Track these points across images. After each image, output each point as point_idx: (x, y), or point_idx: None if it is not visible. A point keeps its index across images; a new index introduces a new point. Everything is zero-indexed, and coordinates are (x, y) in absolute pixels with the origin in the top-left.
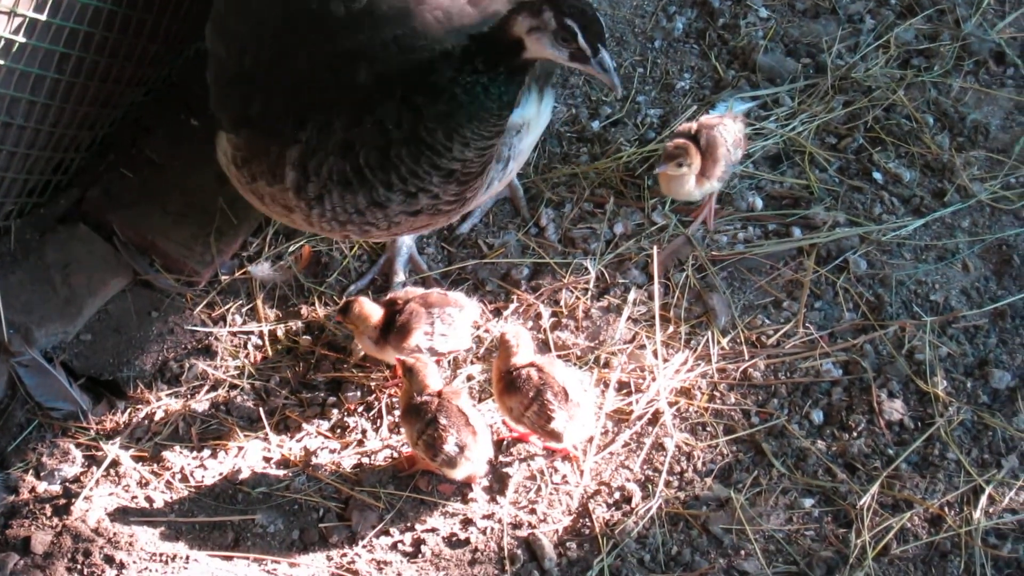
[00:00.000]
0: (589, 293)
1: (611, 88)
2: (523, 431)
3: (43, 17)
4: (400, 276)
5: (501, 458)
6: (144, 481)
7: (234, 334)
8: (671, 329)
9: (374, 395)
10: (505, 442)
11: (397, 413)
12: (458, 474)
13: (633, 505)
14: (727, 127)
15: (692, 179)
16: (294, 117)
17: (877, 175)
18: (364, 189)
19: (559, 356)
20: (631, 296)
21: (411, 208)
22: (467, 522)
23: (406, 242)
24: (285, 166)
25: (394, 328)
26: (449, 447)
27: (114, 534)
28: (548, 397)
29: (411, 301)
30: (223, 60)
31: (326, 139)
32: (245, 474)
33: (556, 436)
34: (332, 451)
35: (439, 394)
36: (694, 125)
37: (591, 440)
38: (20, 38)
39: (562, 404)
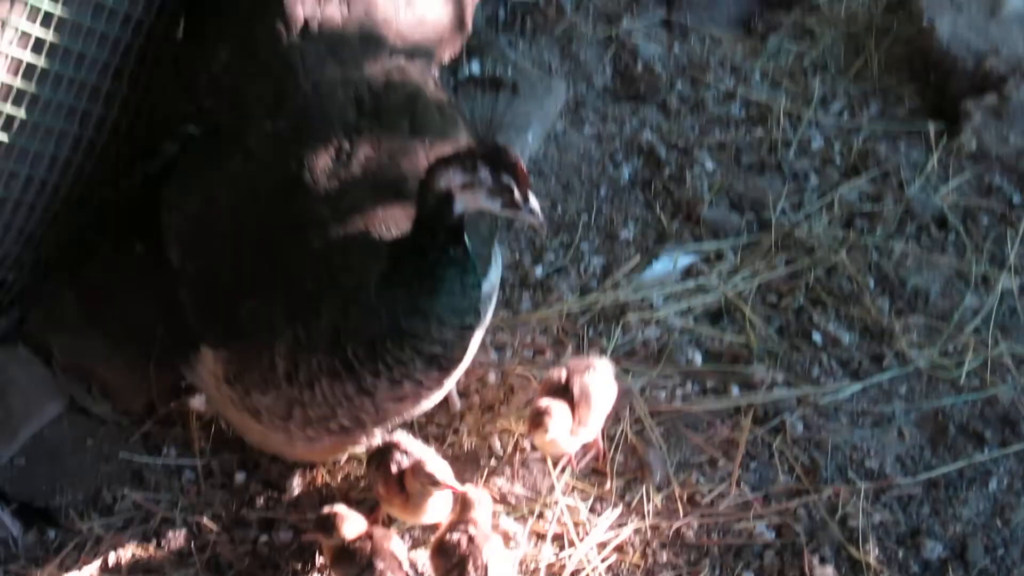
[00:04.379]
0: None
1: (539, 228)
2: None
3: None
4: None
5: None
6: None
7: (168, 466)
8: (607, 484)
9: (305, 536)
10: None
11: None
12: None
13: None
14: (598, 370)
15: (565, 437)
16: (281, 317)
17: (817, 336)
18: (352, 378)
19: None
20: None
21: (397, 394)
22: None
23: None
24: (275, 361)
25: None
26: None
27: None
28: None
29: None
30: (199, 277)
31: (314, 334)
32: None
33: None
34: None
35: (370, 535)
36: (563, 373)
37: None
38: None
39: None
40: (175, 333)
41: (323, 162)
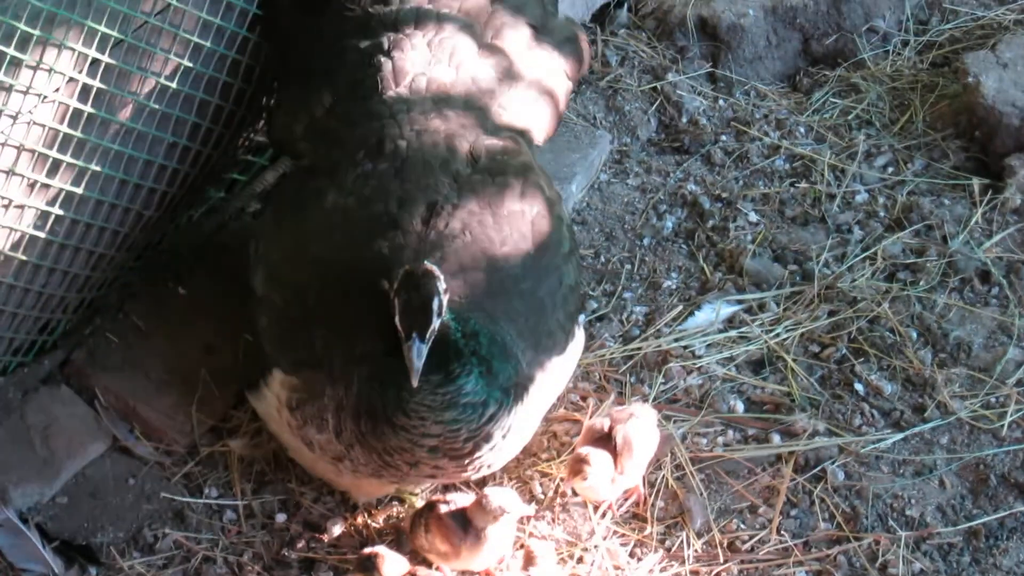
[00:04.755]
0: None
1: (409, 372)
2: None
3: (41, 178)
4: None
5: None
6: None
7: (210, 506)
8: (647, 529)
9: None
10: None
11: None
12: None
13: None
14: (640, 418)
15: (605, 483)
16: (340, 368)
17: (859, 386)
18: (375, 453)
19: None
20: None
21: (421, 473)
22: None
23: None
24: (328, 413)
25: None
26: None
27: None
28: None
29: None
30: (281, 307)
31: (349, 397)
32: None
33: None
34: None
35: (414, 574)
36: (606, 422)
37: None
38: (15, 198)
39: None
40: (250, 357)
41: (421, 209)
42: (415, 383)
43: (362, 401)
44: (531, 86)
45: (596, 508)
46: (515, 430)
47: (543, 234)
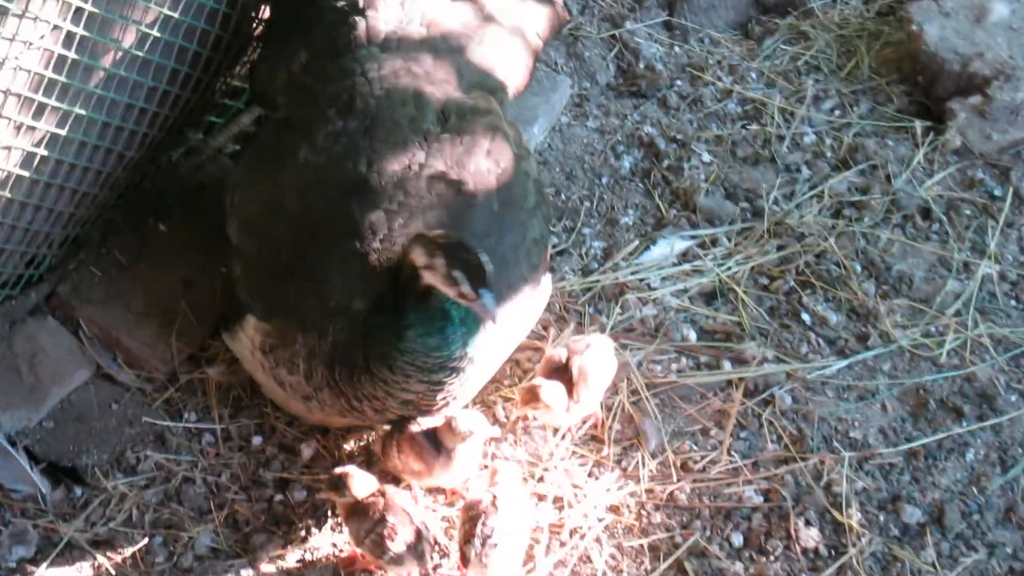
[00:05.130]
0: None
1: (487, 319)
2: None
3: (28, 121)
4: None
5: (438, 559)
6: (97, 565)
7: (189, 429)
8: (604, 451)
9: (319, 495)
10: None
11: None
12: (400, 571)
13: None
14: (597, 349)
15: (560, 411)
16: (313, 315)
17: (805, 316)
18: (343, 397)
19: None
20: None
21: (384, 418)
22: None
23: None
24: (296, 360)
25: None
26: (396, 546)
27: None
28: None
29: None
30: (255, 257)
31: (323, 345)
32: (193, 563)
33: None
34: (277, 546)
35: (383, 492)
36: (564, 354)
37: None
38: (2, 139)
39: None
40: (227, 295)
41: (391, 167)
42: (494, 322)
43: (338, 351)
44: (503, 42)
45: (556, 431)
46: (472, 378)
47: (508, 191)
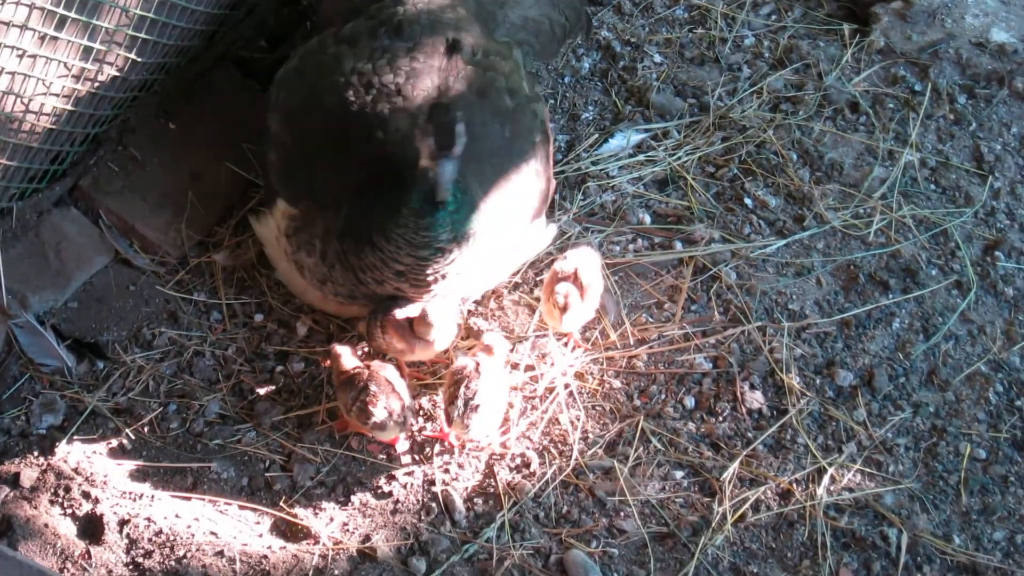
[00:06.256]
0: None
1: (439, 191)
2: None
3: (51, 32)
4: None
5: (423, 422)
6: (117, 429)
7: (198, 308)
8: None
9: (315, 366)
10: (423, 414)
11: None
12: (385, 436)
13: (532, 470)
14: (592, 259)
15: (572, 317)
16: (332, 198)
17: (748, 200)
18: (352, 272)
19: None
20: (536, 292)
21: (385, 291)
22: (391, 478)
23: None
24: (316, 239)
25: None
26: (378, 412)
27: (91, 474)
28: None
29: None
30: (289, 146)
31: (335, 224)
32: (203, 428)
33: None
34: (279, 412)
35: (368, 366)
36: (571, 265)
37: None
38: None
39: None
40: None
41: (424, 82)
42: (445, 196)
43: (348, 224)
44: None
45: (530, 309)
46: (466, 273)
47: (518, 122)
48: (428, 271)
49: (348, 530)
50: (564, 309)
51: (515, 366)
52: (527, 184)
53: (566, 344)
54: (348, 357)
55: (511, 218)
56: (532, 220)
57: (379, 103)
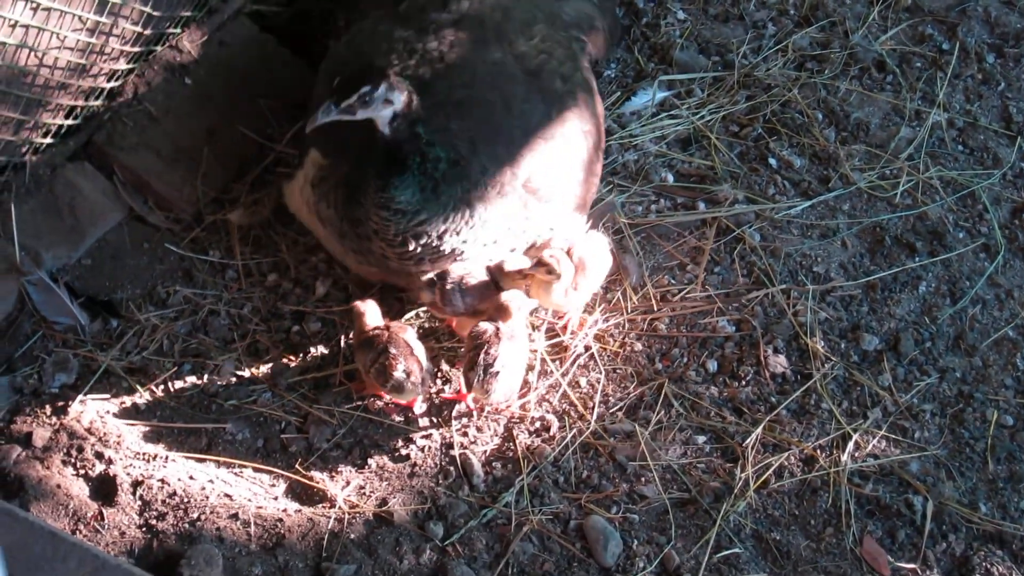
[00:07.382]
0: None
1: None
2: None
3: None
4: None
5: (441, 384)
6: (131, 389)
7: (213, 266)
8: None
9: (332, 327)
10: (441, 376)
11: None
12: (403, 398)
13: (551, 433)
14: (595, 243)
15: (561, 289)
16: (354, 147)
17: (772, 161)
18: (346, 222)
19: None
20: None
21: (374, 249)
22: (408, 441)
23: None
24: (331, 189)
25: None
26: (398, 374)
27: (104, 434)
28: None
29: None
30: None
31: (352, 171)
32: (218, 388)
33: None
34: (295, 373)
35: (387, 327)
36: (564, 243)
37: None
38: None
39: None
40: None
41: (464, 53)
42: (309, 127)
43: (355, 174)
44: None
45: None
46: (462, 238)
47: (566, 107)
48: (392, 231)
49: (364, 493)
50: (551, 273)
51: (537, 327)
52: (566, 169)
53: (564, 329)
54: (372, 315)
55: (543, 199)
56: (572, 210)
57: (421, 67)
